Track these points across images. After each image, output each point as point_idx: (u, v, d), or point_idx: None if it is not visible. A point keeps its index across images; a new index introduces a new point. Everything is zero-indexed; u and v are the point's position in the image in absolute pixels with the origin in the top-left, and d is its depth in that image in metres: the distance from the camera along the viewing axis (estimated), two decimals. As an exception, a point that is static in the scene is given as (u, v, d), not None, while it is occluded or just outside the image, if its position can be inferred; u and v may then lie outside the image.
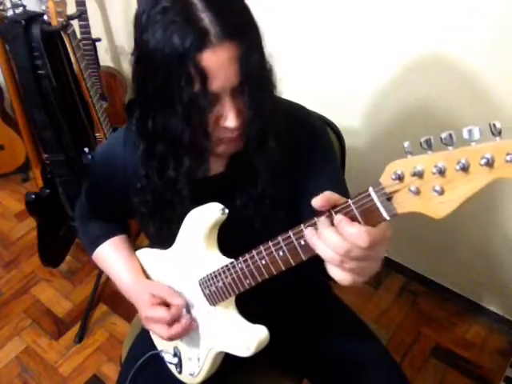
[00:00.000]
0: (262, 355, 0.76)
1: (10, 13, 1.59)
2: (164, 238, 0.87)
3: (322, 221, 0.57)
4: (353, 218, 0.54)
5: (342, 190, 0.84)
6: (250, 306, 0.78)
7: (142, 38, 0.66)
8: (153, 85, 0.68)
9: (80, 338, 1.76)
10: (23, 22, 1.39)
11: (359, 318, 1.04)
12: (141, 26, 0.67)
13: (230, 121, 0.69)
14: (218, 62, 0.63)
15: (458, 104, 1.38)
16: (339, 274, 0.57)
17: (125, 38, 2.18)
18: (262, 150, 0.77)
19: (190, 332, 0.84)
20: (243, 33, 0.65)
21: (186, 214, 0.81)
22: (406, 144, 0.48)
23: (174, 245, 0.86)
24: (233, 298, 0.78)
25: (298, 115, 0.86)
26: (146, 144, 0.78)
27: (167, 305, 0.84)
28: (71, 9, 1.60)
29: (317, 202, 0.56)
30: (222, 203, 0.77)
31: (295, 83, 1.49)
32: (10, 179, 2.48)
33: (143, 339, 1.01)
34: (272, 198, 0.81)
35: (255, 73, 0.67)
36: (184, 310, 0.83)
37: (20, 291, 1.95)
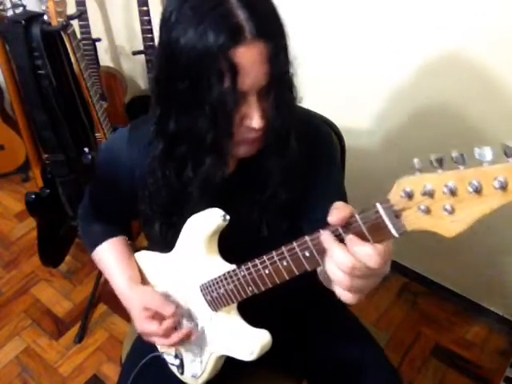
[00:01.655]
0: (263, 357, 0.76)
1: (10, 13, 1.58)
2: (167, 240, 0.87)
3: (326, 238, 0.56)
4: (360, 234, 0.53)
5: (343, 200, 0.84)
6: (251, 309, 0.78)
7: (170, 38, 0.66)
8: (179, 85, 0.67)
9: (80, 338, 1.76)
10: (23, 22, 1.39)
11: (359, 321, 1.04)
12: (169, 25, 0.66)
13: (256, 121, 0.69)
14: (251, 59, 0.64)
15: (459, 105, 1.38)
16: (340, 292, 0.57)
17: (125, 38, 2.18)
18: (281, 153, 0.76)
19: (190, 339, 0.84)
20: (275, 34, 0.66)
21: (191, 215, 0.81)
22: (415, 161, 0.47)
23: (175, 249, 0.86)
24: (235, 304, 0.78)
25: (304, 118, 0.86)
26: (166, 144, 0.77)
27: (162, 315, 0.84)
28: (71, 9, 1.60)
29: (334, 220, 0.55)
30: (227, 205, 0.76)
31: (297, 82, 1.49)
32: (10, 179, 2.48)
33: (143, 339, 1.01)
34: (279, 203, 0.81)
35: (283, 74, 0.68)
36: (182, 318, 0.83)
37: (20, 291, 1.95)
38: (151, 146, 0.79)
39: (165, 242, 0.87)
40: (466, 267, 1.69)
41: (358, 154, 1.48)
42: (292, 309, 1.01)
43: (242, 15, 0.63)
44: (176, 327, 0.84)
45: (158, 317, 0.83)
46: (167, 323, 0.81)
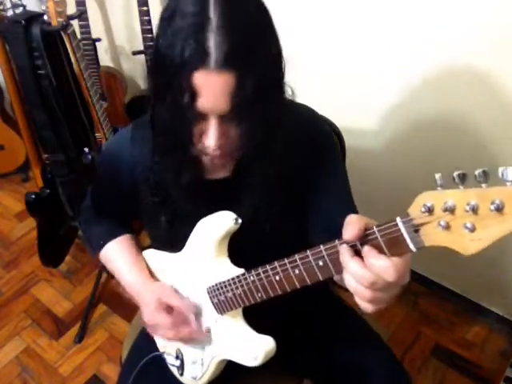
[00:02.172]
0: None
1: (10, 13, 1.58)
2: (169, 238, 0.87)
3: (344, 251, 0.56)
4: (377, 246, 0.53)
5: (350, 201, 0.85)
6: (257, 309, 0.78)
7: (158, 32, 0.66)
8: (156, 77, 0.69)
9: (80, 338, 1.76)
10: (23, 22, 1.39)
11: (363, 319, 1.03)
12: (160, 24, 0.66)
13: (209, 141, 0.69)
14: (210, 87, 0.62)
15: (460, 104, 1.38)
16: (361, 304, 0.58)
17: (125, 38, 2.18)
18: (263, 162, 0.76)
19: (198, 338, 0.84)
20: (245, 64, 0.62)
21: (192, 216, 0.81)
22: (437, 176, 0.47)
23: (184, 250, 0.86)
24: (240, 308, 0.78)
25: (304, 118, 0.86)
26: (152, 125, 0.77)
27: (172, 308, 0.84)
28: (71, 9, 1.60)
29: (349, 237, 0.55)
30: (226, 207, 0.76)
31: (296, 83, 1.49)
32: (10, 179, 2.48)
33: (143, 339, 1.01)
34: (274, 207, 0.80)
35: (248, 104, 0.64)
36: (192, 315, 0.83)
37: (20, 291, 1.95)
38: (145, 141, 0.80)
39: (167, 240, 0.87)
40: (466, 267, 1.69)
41: (358, 154, 1.48)
42: (299, 310, 1.01)
43: (213, 41, 0.60)
44: (185, 322, 0.84)
45: (169, 310, 0.84)
46: (178, 315, 0.81)
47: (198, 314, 0.85)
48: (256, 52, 0.63)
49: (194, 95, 0.63)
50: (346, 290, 0.65)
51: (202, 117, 0.67)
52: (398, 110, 1.51)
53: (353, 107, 1.58)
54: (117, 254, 0.97)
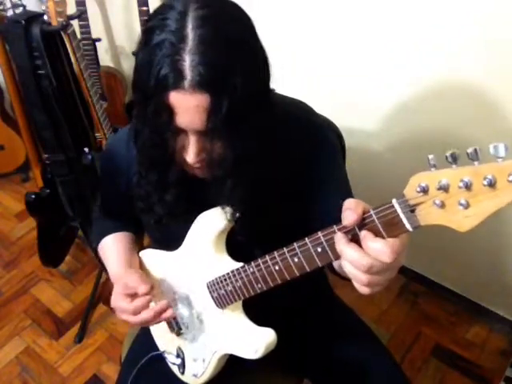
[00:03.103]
0: (265, 356, 0.76)
1: (10, 13, 1.59)
2: (163, 237, 0.87)
3: (339, 238, 0.57)
4: (375, 229, 0.54)
5: (349, 195, 0.84)
6: (253, 307, 0.78)
7: (137, 49, 0.67)
8: (135, 95, 0.70)
9: (80, 338, 1.76)
10: (23, 22, 1.39)
11: (360, 319, 1.04)
12: (142, 36, 0.66)
13: (189, 156, 0.69)
14: (185, 106, 0.63)
15: (460, 104, 1.38)
16: (358, 287, 0.58)
17: (125, 38, 2.18)
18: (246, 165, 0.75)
19: (167, 319, 0.83)
20: (222, 85, 0.62)
21: (182, 215, 0.81)
22: (430, 156, 0.49)
23: (182, 246, 0.86)
24: (240, 302, 0.78)
25: (303, 115, 0.86)
26: (135, 142, 0.77)
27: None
28: (71, 9, 1.60)
29: (349, 222, 0.56)
30: (215, 204, 0.77)
31: (296, 82, 1.49)
32: (10, 179, 2.48)
33: (143, 339, 1.01)
34: (269, 205, 0.80)
35: (225, 124, 0.63)
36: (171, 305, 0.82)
37: (20, 291, 1.95)
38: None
39: (163, 239, 0.88)
40: (466, 267, 1.69)
41: (358, 154, 1.48)
42: (293, 309, 1.01)
43: (189, 62, 0.60)
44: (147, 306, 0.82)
45: (134, 296, 0.82)
46: (138, 301, 0.80)
47: (194, 311, 0.85)
48: (233, 71, 0.62)
49: (170, 113, 0.64)
50: (343, 278, 0.65)
51: (182, 132, 0.68)
52: (398, 109, 1.51)
53: (352, 107, 1.58)
54: (109, 246, 0.99)
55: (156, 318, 0.80)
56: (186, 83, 0.61)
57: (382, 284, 0.58)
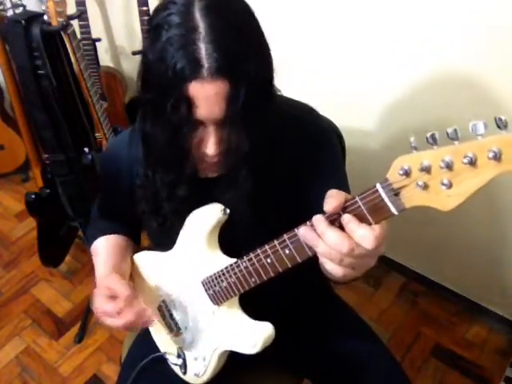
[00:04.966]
0: (263, 354, 0.76)
1: (10, 13, 1.59)
2: (164, 238, 0.87)
3: (319, 219, 0.57)
4: (360, 215, 0.54)
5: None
6: (251, 306, 0.78)
7: (145, 48, 0.67)
8: (147, 96, 0.69)
9: (80, 338, 1.76)
10: (23, 22, 1.39)
11: (359, 318, 1.04)
12: (147, 37, 0.67)
13: (210, 148, 0.69)
14: (205, 96, 0.63)
15: (462, 106, 1.38)
16: (332, 267, 0.58)
17: (125, 38, 2.18)
18: (236, 182, 0.76)
19: (148, 319, 0.81)
20: (237, 73, 0.63)
21: (184, 213, 0.81)
22: (411, 139, 0.49)
23: (175, 246, 0.86)
24: (236, 297, 0.78)
25: (304, 116, 0.86)
26: (144, 147, 0.78)
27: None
28: (71, 9, 1.60)
29: (329, 209, 0.56)
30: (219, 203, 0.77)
31: (297, 82, 1.49)
32: (10, 179, 2.48)
33: (143, 339, 1.01)
34: (269, 202, 0.80)
35: (243, 111, 0.65)
36: (140, 301, 0.81)
37: (20, 291, 1.95)
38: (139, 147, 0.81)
39: (162, 237, 0.87)
40: (466, 267, 1.69)
41: (358, 154, 1.48)
42: (289, 306, 1.01)
43: (204, 50, 0.61)
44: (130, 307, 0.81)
45: (115, 299, 0.81)
46: (119, 304, 0.78)
47: (191, 310, 0.85)
48: (247, 57, 0.64)
49: (190, 106, 0.64)
50: (336, 283, 0.63)
51: (201, 124, 0.68)
52: (399, 109, 1.51)
53: (352, 107, 1.58)
54: (99, 249, 0.97)
55: (138, 318, 0.79)
56: (205, 71, 0.61)
57: (357, 270, 0.58)
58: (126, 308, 0.78)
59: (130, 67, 2.26)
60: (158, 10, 0.66)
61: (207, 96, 0.63)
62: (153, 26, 0.65)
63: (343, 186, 0.88)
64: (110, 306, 0.79)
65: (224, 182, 0.77)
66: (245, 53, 0.64)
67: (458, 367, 1.63)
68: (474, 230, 1.56)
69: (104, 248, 0.97)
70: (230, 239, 0.79)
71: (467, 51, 1.28)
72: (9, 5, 1.60)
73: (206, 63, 0.61)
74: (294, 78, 1.58)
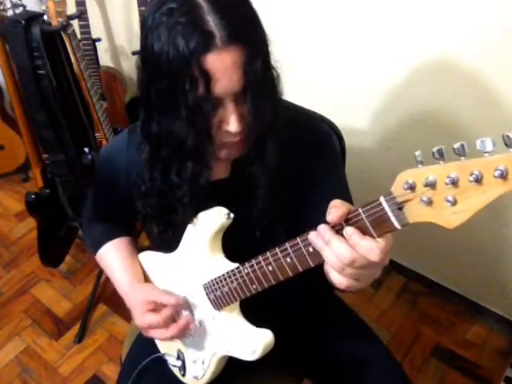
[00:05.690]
0: (264, 356, 0.76)
1: (10, 13, 1.59)
2: (166, 240, 0.87)
3: (324, 228, 0.57)
4: (363, 228, 0.54)
5: (348, 201, 0.84)
6: (253, 308, 0.78)
7: (146, 41, 0.66)
8: (157, 88, 0.68)
9: (80, 338, 1.76)
10: (23, 21, 1.39)
11: (360, 319, 1.04)
12: (146, 28, 0.66)
13: (232, 125, 0.69)
14: (223, 66, 0.63)
15: (458, 104, 1.38)
16: (336, 277, 0.58)
17: (125, 38, 2.18)
18: (262, 157, 0.76)
19: (191, 331, 0.84)
20: (249, 38, 0.64)
21: (189, 218, 0.81)
22: (417, 153, 0.48)
23: (178, 249, 0.86)
24: (237, 303, 0.78)
25: (303, 120, 0.86)
26: (151, 147, 0.77)
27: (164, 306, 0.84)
28: (71, 9, 1.60)
29: (333, 219, 0.56)
30: (225, 206, 0.76)
31: (296, 82, 1.49)
32: (10, 179, 2.48)
33: (143, 339, 1.01)
34: (273, 208, 0.80)
35: (258, 79, 0.65)
36: (184, 311, 0.83)
37: (20, 291, 1.95)
38: (141, 148, 0.80)
39: (164, 242, 0.87)
40: (466, 267, 1.69)
41: (358, 154, 1.48)
42: (292, 308, 1.01)
43: (212, 21, 0.62)
44: (176, 319, 0.84)
45: (158, 309, 0.83)
46: (166, 311, 0.81)
47: (192, 309, 0.85)
48: (255, 24, 0.67)
49: (208, 81, 0.63)
50: (338, 289, 0.64)
51: (219, 103, 0.67)
52: (399, 109, 1.51)
53: (352, 107, 1.58)
54: (110, 256, 0.97)
55: (184, 330, 0.82)
56: (218, 40, 0.62)
57: (362, 281, 0.58)
58: (172, 320, 0.81)
59: (130, 67, 2.26)
60: (153, 5, 0.66)
61: (225, 66, 0.63)
62: (149, 17, 0.65)
63: (343, 189, 0.88)
64: (156, 317, 0.81)
65: (251, 157, 0.77)
66: (252, 19, 0.67)
67: (458, 367, 1.63)
68: (474, 231, 1.56)
69: (114, 256, 0.96)
70: (235, 245, 0.78)
71: (467, 51, 1.28)
72: (9, 5, 1.60)
73: (217, 33, 0.62)
74: (294, 78, 1.57)
